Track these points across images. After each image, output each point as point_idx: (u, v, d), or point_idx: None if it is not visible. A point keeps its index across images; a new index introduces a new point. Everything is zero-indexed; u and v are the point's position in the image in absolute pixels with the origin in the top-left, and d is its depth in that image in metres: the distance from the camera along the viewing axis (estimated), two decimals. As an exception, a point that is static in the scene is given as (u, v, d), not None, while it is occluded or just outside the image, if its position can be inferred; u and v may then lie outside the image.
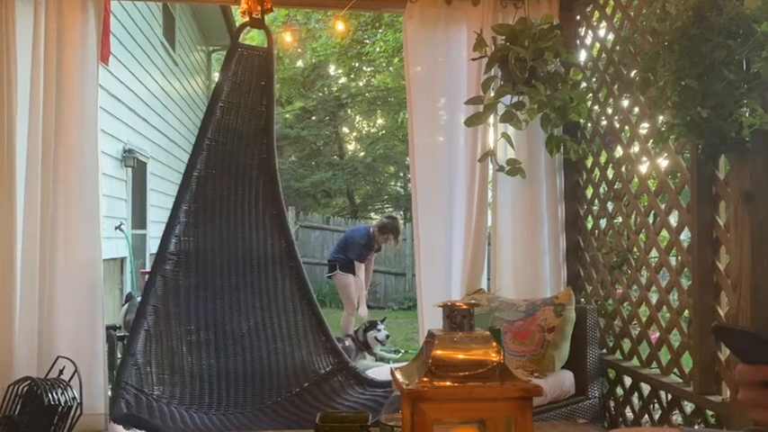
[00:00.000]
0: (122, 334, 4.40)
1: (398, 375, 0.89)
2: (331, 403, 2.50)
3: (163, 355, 2.51)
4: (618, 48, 2.99)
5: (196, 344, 2.62)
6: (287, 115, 14.46)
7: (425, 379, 0.83)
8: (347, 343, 5.54)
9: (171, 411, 2.32)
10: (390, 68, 12.89)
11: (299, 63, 14.10)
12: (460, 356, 0.84)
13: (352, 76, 14.29)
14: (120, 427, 2.32)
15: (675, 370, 2.59)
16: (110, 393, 3.15)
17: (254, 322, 2.69)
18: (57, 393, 2.58)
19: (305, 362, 2.66)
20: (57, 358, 2.78)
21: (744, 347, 0.82)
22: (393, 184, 15.33)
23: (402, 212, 14.61)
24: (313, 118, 14.70)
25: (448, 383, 0.83)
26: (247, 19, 2.32)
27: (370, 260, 6.64)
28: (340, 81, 14.86)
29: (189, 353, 2.60)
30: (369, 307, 6.77)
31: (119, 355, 3.99)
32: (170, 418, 2.25)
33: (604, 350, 3.07)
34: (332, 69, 14.53)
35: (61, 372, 2.73)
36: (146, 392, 2.36)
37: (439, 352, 0.84)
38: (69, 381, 2.68)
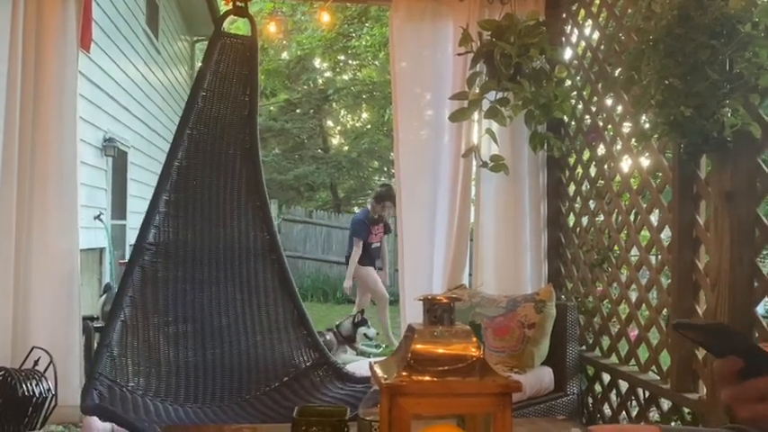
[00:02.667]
0: (100, 325, 4.34)
1: (377, 369, 0.88)
2: (310, 398, 2.48)
3: (139, 347, 2.47)
4: (603, 46, 3.00)
5: (174, 336, 2.58)
6: (271, 107, 14.37)
7: (404, 373, 0.82)
8: (328, 337, 5.52)
9: (146, 403, 2.28)
10: (376, 63, 12.86)
11: (284, 55, 14.01)
12: (440, 351, 0.83)
13: (337, 69, 14.24)
14: (96, 419, 2.29)
15: (653, 367, 2.61)
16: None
17: (233, 315, 2.65)
18: (31, 384, 2.53)
19: (285, 356, 2.64)
20: (32, 349, 2.73)
21: (710, 341, 0.83)
22: (377, 178, 15.31)
23: (385, 207, 14.58)
24: (297, 111, 14.63)
25: (427, 378, 0.82)
26: (230, 7, 2.29)
27: (377, 238, 6.34)
28: (325, 74, 14.80)
29: (166, 345, 2.56)
30: (349, 301, 6.73)
31: (95, 347, 3.94)
32: (144, 411, 2.21)
33: (584, 347, 3.09)
34: (317, 62, 14.46)
35: (36, 363, 2.68)
36: (120, 384, 2.32)
37: (418, 346, 0.83)
38: (44, 372, 2.64)
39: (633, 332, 2.80)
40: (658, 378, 2.56)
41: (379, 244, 6.38)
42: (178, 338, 2.54)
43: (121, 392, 2.30)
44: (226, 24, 2.41)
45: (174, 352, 2.50)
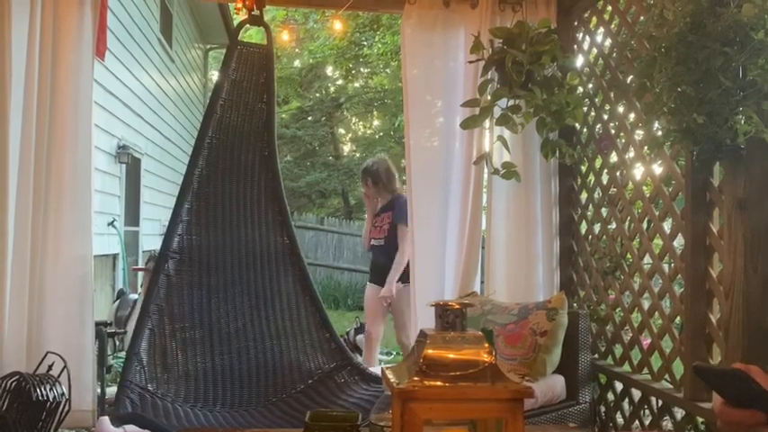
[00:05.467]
0: (112, 330, 4.38)
1: (389, 374, 0.89)
2: (336, 400, 2.49)
3: (167, 354, 2.49)
4: (615, 53, 2.99)
5: (200, 341, 2.60)
6: (283, 115, 14.44)
7: (416, 378, 0.82)
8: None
9: (176, 409, 2.30)
10: (387, 71, 12.90)
11: (297, 63, 14.09)
12: (452, 356, 0.84)
13: (349, 77, 14.29)
14: (108, 423, 2.31)
15: (666, 376, 2.59)
16: (98, 390, 3.13)
17: (257, 320, 2.68)
18: (45, 389, 2.56)
19: (309, 359, 2.66)
20: (46, 354, 2.76)
21: (728, 389, 0.85)
22: (388, 185, 15.31)
23: (396, 214, 14.57)
24: (309, 118, 14.69)
25: (439, 383, 0.82)
26: (246, 16, 2.32)
27: (378, 232, 4.60)
28: (337, 82, 14.85)
29: (193, 351, 2.58)
30: (360, 308, 6.47)
31: (108, 352, 3.98)
32: (175, 417, 2.23)
33: (596, 355, 3.07)
34: (329, 70, 14.53)
35: (50, 367, 2.71)
36: (150, 391, 2.34)
37: (430, 351, 0.84)
38: (58, 377, 2.66)
39: (646, 340, 2.78)
40: (672, 387, 2.54)
41: (382, 241, 4.55)
42: (204, 344, 2.56)
43: (152, 399, 2.32)
44: (241, 33, 2.43)
45: (201, 358, 2.53)
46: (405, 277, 4.17)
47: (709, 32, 1.92)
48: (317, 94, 14.74)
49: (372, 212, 4.75)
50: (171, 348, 2.50)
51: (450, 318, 0.87)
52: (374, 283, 4.62)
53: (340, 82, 14.76)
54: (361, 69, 13.88)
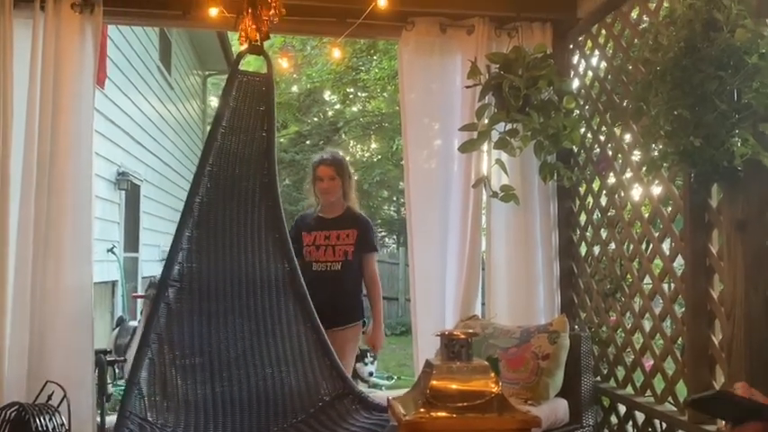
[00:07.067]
0: (112, 358, 4.35)
1: (396, 405, 0.88)
2: (337, 429, 2.47)
3: (166, 384, 2.47)
4: (610, 77, 3.03)
5: (200, 371, 2.58)
6: (282, 139, 14.49)
7: (422, 410, 0.82)
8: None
9: None
10: (385, 95, 12.98)
11: (295, 88, 14.18)
12: (458, 387, 0.84)
13: (347, 102, 14.38)
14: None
15: (670, 398, 2.58)
16: (98, 419, 3.10)
17: (258, 348, 2.66)
18: (45, 419, 2.53)
19: (311, 387, 2.63)
20: (45, 383, 2.74)
21: (724, 412, 0.88)
22: (386, 208, 15.34)
23: (396, 237, 14.60)
24: (307, 142, 14.74)
25: (445, 414, 0.82)
26: (246, 46, 2.35)
27: (320, 253, 3.43)
28: (335, 107, 14.94)
29: (193, 380, 2.56)
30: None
31: (108, 380, 3.94)
32: None
33: (598, 378, 3.06)
34: (327, 95, 14.61)
35: (50, 397, 2.69)
36: (150, 421, 2.32)
37: (436, 382, 0.84)
38: (58, 406, 2.64)
39: (648, 362, 2.77)
40: (675, 409, 2.53)
41: (338, 266, 3.43)
42: (204, 373, 2.54)
43: (152, 429, 2.30)
44: (240, 62, 2.46)
45: (201, 387, 2.51)
46: (361, 313, 3.55)
47: (703, 57, 1.94)
48: (315, 119, 14.81)
49: (321, 220, 3.52)
50: (171, 377, 2.48)
51: (455, 348, 0.87)
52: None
53: (338, 106, 14.84)
54: (359, 94, 13.96)
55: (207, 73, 12.19)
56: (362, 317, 3.56)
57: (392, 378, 6.49)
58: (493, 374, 0.85)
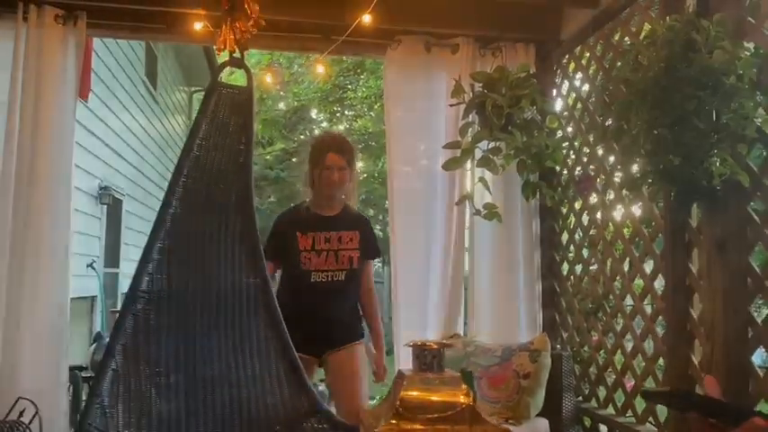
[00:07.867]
0: (88, 375, 4.27)
1: (367, 417, 0.87)
2: None
3: (130, 397, 2.41)
4: (593, 97, 3.06)
5: (165, 386, 2.53)
6: (267, 156, 14.48)
7: (393, 421, 0.81)
8: (321, 388, 5.41)
9: None
10: (371, 114, 13.05)
11: (281, 105, 14.22)
12: (429, 398, 0.82)
13: (333, 120, 14.42)
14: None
15: (650, 418, 2.57)
16: (72, 436, 3.03)
17: (225, 364, 2.61)
18: (15, 436, 2.47)
19: (278, 405, 2.57)
20: (17, 399, 2.68)
21: (671, 402, 0.96)
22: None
23: (381, 256, 14.53)
24: (293, 159, 14.73)
25: (416, 426, 0.81)
26: (227, 58, 2.34)
27: (317, 261, 2.88)
28: (322, 125, 14.98)
29: (158, 395, 2.50)
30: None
31: (83, 397, 3.87)
32: None
33: (580, 398, 3.04)
34: (314, 113, 14.66)
35: (21, 413, 2.62)
36: (110, 435, 2.26)
37: (407, 393, 0.82)
38: (29, 423, 2.57)
39: (629, 383, 2.76)
40: (656, 430, 2.52)
41: (342, 277, 2.89)
42: (170, 389, 2.49)
43: None
44: (224, 75, 2.45)
45: (165, 402, 2.45)
46: (363, 328, 3.06)
47: (682, 77, 1.96)
48: (302, 136, 14.83)
49: (319, 218, 2.92)
50: (134, 392, 2.42)
51: (427, 358, 0.86)
52: (311, 354, 2.85)
53: (324, 124, 14.89)
54: (346, 112, 14.02)
55: (193, 89, 12.19)
56: (363, 332, 3.04)
57: (374, 398, 6.43)
58: (464, 386, 0.84)
